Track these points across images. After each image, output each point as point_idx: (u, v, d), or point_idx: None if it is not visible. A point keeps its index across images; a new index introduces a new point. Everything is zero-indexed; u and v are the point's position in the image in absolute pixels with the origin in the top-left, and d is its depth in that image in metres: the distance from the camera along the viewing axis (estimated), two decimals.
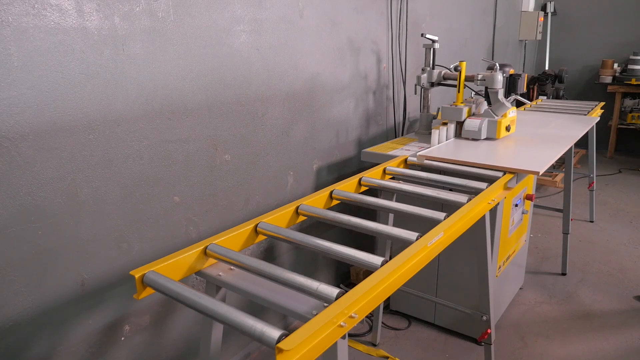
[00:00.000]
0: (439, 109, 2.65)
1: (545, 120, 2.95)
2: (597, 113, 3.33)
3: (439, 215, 1.52)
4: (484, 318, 2.05)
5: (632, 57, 5.76)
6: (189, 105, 1.84)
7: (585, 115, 3.17)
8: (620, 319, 2.71)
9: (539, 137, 2.50)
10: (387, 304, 2.80)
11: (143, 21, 1.63)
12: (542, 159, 2.05)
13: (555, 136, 2.52)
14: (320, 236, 2.63)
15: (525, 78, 3.17)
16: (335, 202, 1.78)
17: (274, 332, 0.97)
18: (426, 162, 2.10)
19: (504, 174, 1.92)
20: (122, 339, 1.77)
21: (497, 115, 2.42)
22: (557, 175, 4.61)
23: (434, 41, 2.63)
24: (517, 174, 1.92)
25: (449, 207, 1.67)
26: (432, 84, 2.66)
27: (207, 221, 2.01)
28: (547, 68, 6.25)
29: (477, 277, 2.00)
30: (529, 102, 3.72)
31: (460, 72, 2.50)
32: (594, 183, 3.96)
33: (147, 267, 1.22)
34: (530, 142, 2.38)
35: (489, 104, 2.48)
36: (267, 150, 2.24)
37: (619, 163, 5.82)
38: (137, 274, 1.20)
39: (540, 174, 1.86)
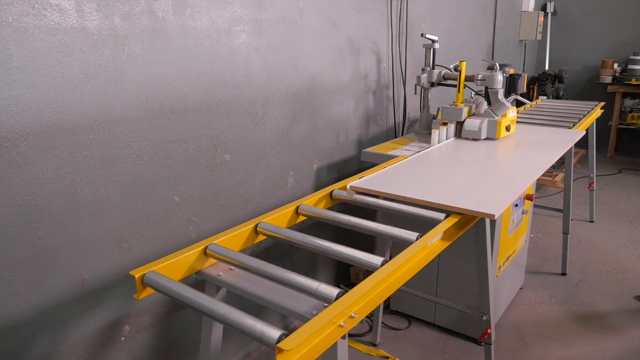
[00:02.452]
0: (439, 109, 2.65)
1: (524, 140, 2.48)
2: (586, 123, 3.15)
3: (439, 215, 1.52)
4: (484, 318, 2.05)
5: (632, 57, 5.76)
6: (189, 105, 1.84)
7: (571, 128, 2.88)
8: (621, 319, 2.71)
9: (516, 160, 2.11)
10: (387, 304, 2.80)
11: (143, 21, 1.63)
12: (502, 195, 1.62)
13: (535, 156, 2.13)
14: (320, 236, 2.63)
15: (525, 78, 3.17)
16: (335, 202, 1.78)
17: (274, 332, 0.97)
18: (356, 196, 1.72)
19: (448, 215, 1.52)
20: (122, 339, 1.77)
21: (497, 115, 2.42)
22: (557, 175, 4.61)
23: (434, 41, 2.63)
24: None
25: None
26: (432, 84, 2.66)
27: (207, 221, 2.01)
28: (547, 68, 6.25)
29: (477, 277, 2.00)
30: (529, 102, 3.73)
31: (460, 72, 2.50)
32: (594, 183, 3.96)
33: (147, 267, 1.22)
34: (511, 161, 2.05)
35: (489, 104, 2.48)
36: (267, 150, 2.24)
37: (619, 163, 5.82)
38: (137, 274, 1.20)
39: (495, 217, 1.46)
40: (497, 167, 2.00)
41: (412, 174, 1.90)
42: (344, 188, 1.80)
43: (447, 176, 1.86)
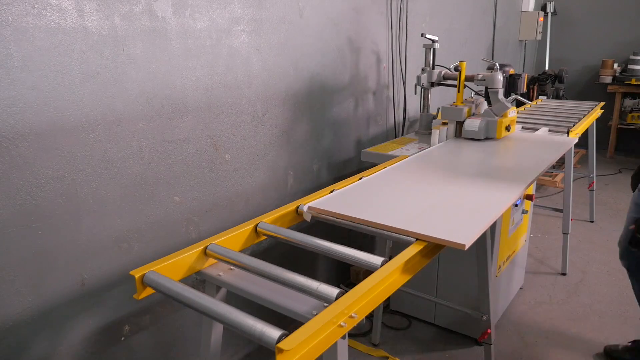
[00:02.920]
0: (438, 108, 2.65)
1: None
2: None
3: None
4: (484, 318, 2.05)
5: (632, 57, 5.76)
6: (189, 105, 1.84)
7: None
8: (620, 319, 2.71)
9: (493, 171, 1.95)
10: (387, 304, 2.80)
11: (143, 21, 1.63)
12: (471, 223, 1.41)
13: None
14: (320, 236, 2.63)
15: (525, 78, 3.16)
16: None
17: (273, 332, 0.97)
18: (318, 215, 1.55)
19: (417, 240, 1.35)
20: (122, 339, 1.77)
21: (497, 115, 2.42)
22: (557, 175, 4.61)
23: (434, 41, 2.63)
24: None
25: None
26: (432, 84, 2.66)
27: (207, 221, 2.01)
28: (547, 68, 6.25)
29: (477, 277, 2.00)
30: (529, 102, 3.72)
31: (460, 72, 2.50)
32: (594, 183, 3.96)
33: (147, 267, 1.22)
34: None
35: (489, 104, 2.48)
36: (267, 150, 2.24)
37: (618, 163, 5.82)
38: (137, 274, 1.20)
39: (466, 247, 1.28)
40: (490, 174, 1.87)
41: (390, 187, 1.72)
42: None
43: (429, 189, 1.69)
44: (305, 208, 1.53)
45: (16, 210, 1.39)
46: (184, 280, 1.28)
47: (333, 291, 1.09)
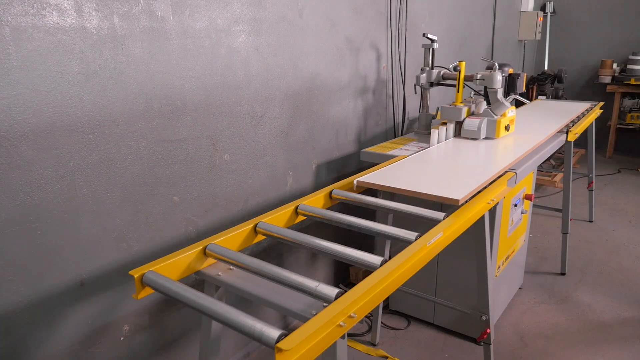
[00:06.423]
0: (438, 108, 2.65)
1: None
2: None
3: (439, 215, 1.52)
4: (483, 318, 2.05)
5: (631, 57, 5.76)
6: (188, 105, 1.83)
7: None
8: (619, 318, 2.71)
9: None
10: (386, 303, 2.80)
11: (142, 21, 1.63)
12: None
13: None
14: (319, 236, 2.63)
15: (525, 78, 3.16)
16: (334, 202, 1.78)
17: (273, 332, 0.97)
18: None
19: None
20: (122, 338, 1.77)
21: (496, 115, 2.42)
22: (556, 175, 4.61)
23: (433, 41, 2.62)
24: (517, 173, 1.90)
25: (448, 207, 1.67)
26: (432, 84, 2.66)
27: (207, 221, 2.01)
28: (546, 68, 6.25)
29: (476, 277, 2.00)
30: (528, 102, 3.72)
31: (459, 72, 2.50)
32: (593, 183, 3.96)
33: (147, 267, 1.22)
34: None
35: (488, 103, 2.48)
36: (267, 150, 2.24)
37: (618, 163, 5.82)
38: (136, 273, 1.20)
39: (459, 202, 1.60)
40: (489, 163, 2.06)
41: (410, 169, 1.98)
42: (344, 187, 1.80)
43: (434, 171, 1.95)
44: (355, 182, 1.83)
45: (15, 210, 1.39)
46: (183, 280, 1.28)
47: (332, 291, 1.10)
